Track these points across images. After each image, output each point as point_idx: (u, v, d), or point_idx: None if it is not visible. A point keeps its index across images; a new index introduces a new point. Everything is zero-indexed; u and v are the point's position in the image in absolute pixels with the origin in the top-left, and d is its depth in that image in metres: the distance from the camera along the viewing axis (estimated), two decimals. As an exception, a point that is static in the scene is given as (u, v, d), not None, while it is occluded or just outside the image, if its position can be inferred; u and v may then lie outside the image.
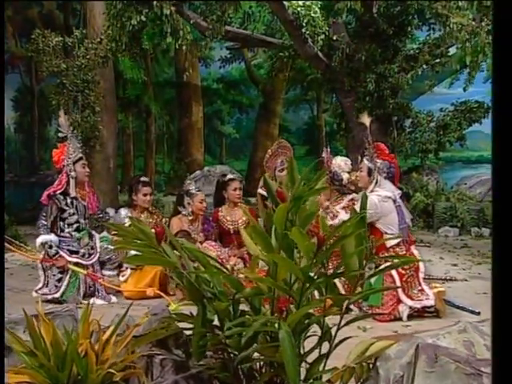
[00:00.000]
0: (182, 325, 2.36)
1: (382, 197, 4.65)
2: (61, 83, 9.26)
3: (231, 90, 14.55)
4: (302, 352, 2.06)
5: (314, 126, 14.29)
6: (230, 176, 6.02)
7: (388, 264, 2.09)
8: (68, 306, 3.08)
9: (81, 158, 5.33)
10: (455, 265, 7.13)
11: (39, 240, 5.30)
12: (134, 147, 14.48)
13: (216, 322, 2.25)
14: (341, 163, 5.26)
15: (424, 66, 8.75)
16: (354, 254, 2.05)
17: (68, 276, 5.26)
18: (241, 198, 5.94)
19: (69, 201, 5.29)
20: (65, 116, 5.39)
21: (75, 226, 5.34)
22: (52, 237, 5.27)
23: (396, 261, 2.05)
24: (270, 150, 5.93)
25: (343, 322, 2.25)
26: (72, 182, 5.25)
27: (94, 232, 5.52)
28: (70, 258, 5.25)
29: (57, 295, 5.21)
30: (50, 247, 5.24)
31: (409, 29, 10.04)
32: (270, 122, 14.12)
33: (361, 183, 4.95)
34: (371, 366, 2.52)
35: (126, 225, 5.59)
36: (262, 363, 2.17)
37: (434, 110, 10.83)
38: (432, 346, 2.44)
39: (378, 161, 4.82)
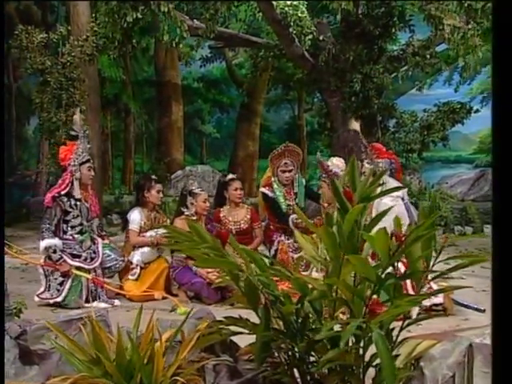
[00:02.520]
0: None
1: (394, 197, 4.67)
2: (44, 81, 9.02)
3: (212, 89, 14.45)
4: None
5: (295, 126, 14.32)
6: (230, 176, 5.98)
7: (459, 263, 2.09)
8: (99, 311, 2.99)
9: (88, 161, 5.20)
10: (447, 263, 7.22)
11: (43, 244, 5.12)
12: (112, 147, 14.25)
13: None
14: (338, 163, 5.29)
15: (413, 67, 8.80)
16: (422, 256, 2.04)
17: (70, 280, 5.13)
18: (241, 198, 5.89)
19: (73, 202, 5.15)
20: (80, 115, 5.27)
21: (78, 228, 5.22)
22: (56, 241, 5.10)
23: (463, 261, 2.05)
24: (275, 150, 5.92)
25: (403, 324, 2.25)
26: (76, 183, 5.12)
27: (95, 236, 5.41)
28: (72, 262, 5.11)
29: (59, 299, 5.07)
30: (54, 252, 5.09)
31: (393, 30, 10.15)
32: (251, 122, 14.09)
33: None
34: (413, 366, 2.52)
35: (140, 224, 5.58)
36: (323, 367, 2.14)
37: (414, 111, 11.00)
38: (487, 345, 2.45)
39: (378, 161, 4.84)
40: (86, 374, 2.03)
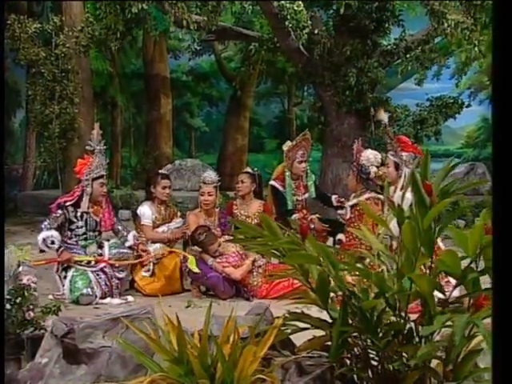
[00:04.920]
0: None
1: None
2: (37, 73, 8.82)
3: (201, 82, 14.30)
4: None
5: (284, 120, 14.27)
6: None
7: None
8: (145, 308, 2.93)
9: (101, 176, 5.15)
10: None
11: (41, 236, 5.07)
12: (98, 140, 14.00)
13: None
14: (370, 156, 5.27)
15: (413, 62, 8.84)
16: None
17: (70, 274, 5.06)
18: (247, 192, 5.79)
19: (79, 214, 5.13)
20: (99, 129, 5.18)
21: (82, 237, 5.20)
22: (53, 232, 5.05)
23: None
24: (294, 141, 5.88)
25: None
26: (86, 197, 5.09)
27: (104, 241, 5.34)
28: (74, 264, 5.07)
29: (65, 296, 5.00)
30: (53, 243, 5.03)
31: (386, 25, 10.17)
32: (241, 116, 14.00)
33: (389, 179, 4.97)
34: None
35: (152, 219, 5.50)
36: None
37: (407, 105, 11.04)
38: None
39: (403, 154, 4.84)
40: (163, 374, 1.97)
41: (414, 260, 2.09)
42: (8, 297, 3.03)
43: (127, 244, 5.37)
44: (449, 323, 2.04)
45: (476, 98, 13.73)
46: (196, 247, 5.24)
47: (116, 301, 5.02)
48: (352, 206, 5.30)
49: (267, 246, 2.11)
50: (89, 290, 4.97)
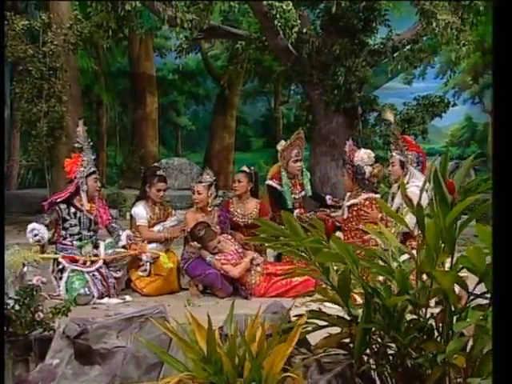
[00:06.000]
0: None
1: (419, 188, 4.72)
2: (25, 70, 8.70)
3: (187, 80, 14.24)
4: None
5: (271, 119, 14.28)
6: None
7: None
8: (158, 308, 2.92)
9: (94, 172, 5.16)
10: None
11: (30, 226, 5.04)
12: (83, 139, 13.86)
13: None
14: (364, 156, 5.30)
15: (402, 61, 8.92)
16: None
17: (66, 274, 5.03)
18: (244, 191, 5.79)
19: (72, 211, 5.10)
20: (83, 126, 5.18)
21: (77, 237, 5.17)
22: (41, 226, 5.03)
23: None
24: (288, 140, 5.86)
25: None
26: (83, 195, 5.08)
27: (99, 241, 5.30)
28: (69, 265, 5.04)
29: (60, 296, 4.95)
30: (36, 235, 5.01)
31: (374, 24, 10.25)
32: (227, 114, 13.98)
33: (393, 177, 5.01)
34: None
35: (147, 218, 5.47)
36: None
37: (394, 104, 11.13)
38: None
39: (408, 153, 4.90)
40: (190, 373, 1.97)
41: (435, 257, 2.12)
42: (16, 297, 2.99)
43: (120, 243, 5.33)
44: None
45: (460, 98, 13.92)
46: (195, 243, 5.23)
47: (114, 300, 4.98)
48: (349, 207, 5.33)
49: (290, 245, 2.11)
50: (86, 290, 4.93)
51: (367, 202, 5.24)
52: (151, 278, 5.28)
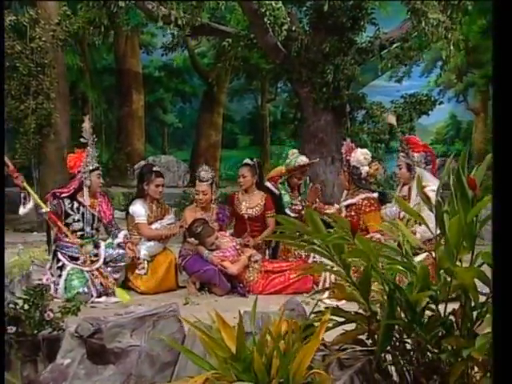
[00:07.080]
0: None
1: (430, 190, 4.74)
2: (12, 67, 8.57)
3: (174, 78, 14.16)
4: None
5: (258, 116, 14.27)
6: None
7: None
8: (171, 306, 2.91)
9: (97, 168, 5.15)
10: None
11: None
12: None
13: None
14: (360, 158, 5.33)
15: (392, 60, 8.97)
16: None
17: (65, 273, 4.99)
18: (249, 185, 5.75)
19: (75, 206, 5.06)
20: (89, 122, 5.13)
21: (79, 234, 5.13)
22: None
23: None
24: (296, 164, 5.95)
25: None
26: (86, 190, 5.06)
27: (100, 241, 5.27)
28: (69, 263, 5.01)
29: (58, 295, 4.90)
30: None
31: (362, 23, 10.30)
32: (214, 112, 13.95)
33: (402, 180, 5.04)
34: None
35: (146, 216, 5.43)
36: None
37: (381, 102, 11.20)
38: None
39: (414, 155, 4.92)
40: (217, 372, 1.96)
41: (456, 253, 2.15)
42: (25, 297, 2.96)
43: (116, 241, 5.30)
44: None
45: (445, 96, 14.07)
46: (193, 239, 5.23)
47: (112, 299, 4.96)
48: (347, 206, 5.36)
49: (312, 242, 2.12)
50: (85, 288, 4.90)
51: (365, 202, 5.27)
52: (148, 276, 5.26)
